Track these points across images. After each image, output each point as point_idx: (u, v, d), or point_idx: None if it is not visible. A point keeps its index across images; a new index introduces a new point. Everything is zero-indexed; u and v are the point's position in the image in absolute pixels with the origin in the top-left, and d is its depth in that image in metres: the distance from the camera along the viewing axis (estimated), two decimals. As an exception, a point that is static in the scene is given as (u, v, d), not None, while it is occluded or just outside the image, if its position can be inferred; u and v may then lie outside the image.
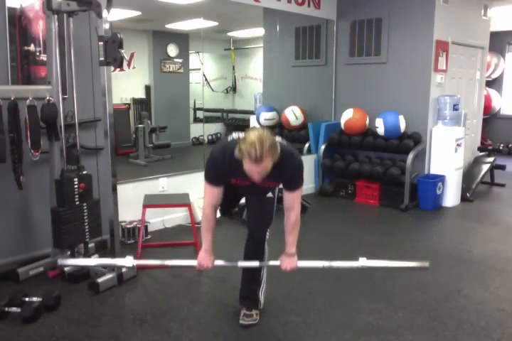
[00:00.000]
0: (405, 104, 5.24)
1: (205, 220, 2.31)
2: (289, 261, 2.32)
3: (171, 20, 6.39)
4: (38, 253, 3.23)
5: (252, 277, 2.55)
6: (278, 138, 2.17)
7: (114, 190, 3.01)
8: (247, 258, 2.55)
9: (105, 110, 2.88)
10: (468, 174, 5.69)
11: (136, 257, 3.34)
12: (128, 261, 2.42)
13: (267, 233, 2.54)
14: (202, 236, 2.35)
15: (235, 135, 2.21)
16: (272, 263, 2.38)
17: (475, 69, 6.12)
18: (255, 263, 2.39)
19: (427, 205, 4.93)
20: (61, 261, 2.56)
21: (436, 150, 5.13)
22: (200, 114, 7.51)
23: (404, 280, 3.15)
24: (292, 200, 2.25)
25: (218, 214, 2.44)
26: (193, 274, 3.24)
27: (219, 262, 2.35)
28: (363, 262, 2.33)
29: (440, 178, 4.98)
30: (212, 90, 7.77)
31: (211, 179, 2.24)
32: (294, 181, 2.23)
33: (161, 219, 4.18)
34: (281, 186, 2.30)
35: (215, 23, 6.07)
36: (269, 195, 2.47)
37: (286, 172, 2.15)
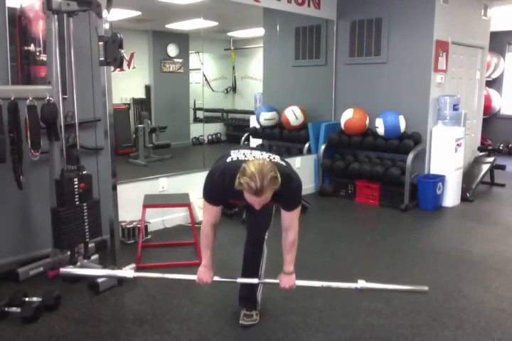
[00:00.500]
0: (405, 104, 5.24)
1: (204, 237, 2.31)
2: (288, 280, 2.33)
3: (171, 20, 6.39)
4: (38, 253, 3.23)
5: (250, 277, 2.54)
6: (276, 159, 2.18)
7: (114, 190, 3.01)
8: (246, 258, 2.56)
9: (105, 110, 2.88)
10: (468, 174, 5.69)
11: (136, 258, 3.34)
12: (128, 273, 2.44)
13: (266, 234, 2.55)
14: (201, 252, 2.36)
15: (233, 155, 2.19)
16: (271, 281, 2.40)
17: (475, 69, 6.12)
18: (254, 280, 2.41)
19: (427, 205, 4.93)
20: (63, 271, 2.55)
21: (436, 150, 5.13)
22: (200, 114, 7.51)
23: (404, 280, 3.15)
24: (291, 220, 2.24)
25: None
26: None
27: (218, 278, 2.37)
28: (361, 284, 2.35)
29: (440, 178, 4.98)
30: (212, 90, 7.77)
31: (210, 199, 2.23)
32: (293, 202, 2.22)
33: (161, 219, 4.18)
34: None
35: (215, 23, 6.07)
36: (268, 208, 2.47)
37: (285, 195, 2.14)
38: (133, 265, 3.13)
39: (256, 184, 1.90)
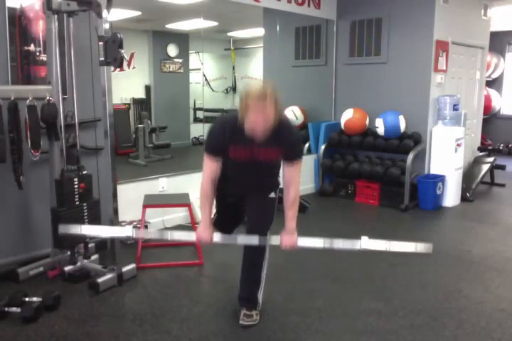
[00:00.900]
0: (405, 104, 5.24)
1: (203, 194, 2.32)
2: (289, 238, 2.29)
3: (171, 20, 6.39)
4: (38, 253, 3.23)
5: (251, 278, 2.53)
6: None
7: (114, 189, 3.01)
8: (246, 261, 2.54)
9: (105, 110, 2.88)
10: (468, 174, 5.69)
11: (136, 258, 3.35)
12: (128, 231, 2.37)
13: (268, 234, 2.53)
14: (201, 211, 2.35)
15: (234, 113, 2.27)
16: (272, 241, 2.34)
17: (475, 69, 6.12)
18: (255, 241, 2.31)
19: (427, 205, 4.93)
20: (62, 228, 2.52)
21: (436, 150, 5.13)
22: (200, 114, 7.51)
23: (404, 280, 3.15)
24: (292, 174, 2.29)
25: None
26: (193, 274, 3.24)
27: (218, 237, 2.32)
28: (364, 242, 2.27)
29: (440, 178, 4.98)
30: (212, 90, 7.77)
31: (211, 148, 2.28)
32: (294, 152, 2.29)
33: (161, 219, 4.18)
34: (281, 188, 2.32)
35: (215, 23, 6.07)
36: (272, 194, 2.47)
37: (287, 139, 2.22)
38: (133, 265, 3.13)
39: (259, 88, 2.08)
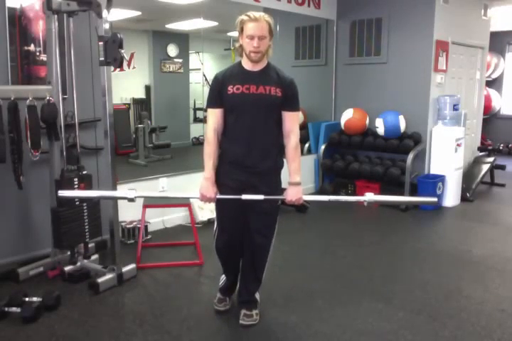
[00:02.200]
0: (405, 104, 5.24)
1: (206, 144, 2.32)
2: (295, 192, 2.28)
3: (171, 20, 6.38)
4: (38, 253, 3.23)
5: (253, 278, 2.53)
6: None
7: (114, 190, 3.01)
8: (246, 264, 2.54)
9: (105, 110, 2.88)
10: (468, 174, 5.69)
11: (136, 258, 3.35)
12: (129, 193, 2.29)
13: (273, 239, 2.49)
14: (204, 163, 2.32)
15: None
16: (277, 197, 2.35)
17: (475, 69, 6.12)
18: (260, 197, 2.24)
19: (427, 205, 4.93)
20: (61, 193, 2.49)
21: (436, 150, 5.13)
22: (200, 114, 7.50)
23: (404, 280, 3.15)
24: (291, 121, 2.33)
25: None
26: (193, 274, 3.24)
27: (221, 195, 2.29)
28: (369, 197, 2.24)
29: (440, 178, 4.98)
30: (212, 90, 7.76)
31: (211, 99, 2.32)
32: (295, 101, 2.36)
33: (161, 219, 4.18)
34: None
35: (215, 23, 6.06)
36: (272, 207, 2.40)
37: (288, 91, 2.31)
38: (133, 265, 3.13)
39: (252, 13, 2.24)
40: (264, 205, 2.34)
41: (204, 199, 2.30)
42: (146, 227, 3.90)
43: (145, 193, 2.51)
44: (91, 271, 3.08)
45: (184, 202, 3.58)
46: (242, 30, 2.25)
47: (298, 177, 2.29)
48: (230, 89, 2.27)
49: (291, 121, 2.33)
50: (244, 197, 2.24)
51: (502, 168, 6.18)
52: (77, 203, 3.00)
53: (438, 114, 5.18)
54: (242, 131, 2.31)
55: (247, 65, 2.32)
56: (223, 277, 2.65)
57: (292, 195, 2.28)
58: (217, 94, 2.30)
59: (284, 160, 2.40)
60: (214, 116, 2.31)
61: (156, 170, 5.30)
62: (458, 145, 5.06)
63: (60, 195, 2.48)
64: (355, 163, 5.40)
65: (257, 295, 2.59)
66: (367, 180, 5.23)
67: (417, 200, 2.48)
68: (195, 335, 2.42)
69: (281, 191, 2.41)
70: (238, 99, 2.26)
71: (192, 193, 2.35)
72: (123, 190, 2.37)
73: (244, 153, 2.31)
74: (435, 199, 2.36)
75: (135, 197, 2.29)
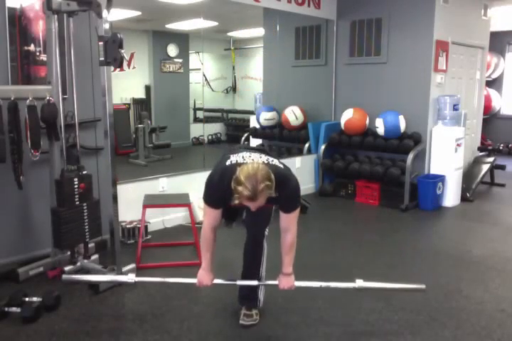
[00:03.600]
0: (405, 104, 5.24)
1: (204, 241, 2.33)
2: (287, 281, 2.36)
3: (171, 20, 6.39)
4: (38, 253, 3.23)
5: (251, 276, 2.54)
6: (274, 161, 2.19)
7: (114, 189, 3.01)
8: (246, 258, 2.56)
9: (105, 110, 2.88)
10: (468, 174, 5.69)
11: (136, 258, 3.34)
12: (130, 278, 2.46)
13: (266, 230, 2.55)
14: (201, 255, 2.39)
15: (232, 158, 2.19)
16: (270, 282, 2.44)
17: (475, 69, 6.12)
18: (254, 282, 2.44)
19: (427, 205, 4.92)
20: (66, 278, 2.60)
21: (436, 150, 5.13)
22: (200, 114, 7.51)
23: (404, 280, 3.14)
24: (289, 222, 2.25)
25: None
26: (193, 274, 3.23)
27: (218, 281, 2.40)
28: (359, 283, 2.42)
29: (440, 178, 4.98)
30: (212, 90, 7.77)
31: (210, 202, 2.24)
32: (291, 204, 2.23)
33: (161, 219, 4.18)
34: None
35: (215, 23, 6.07)
36: (267, 210, 2.46)
37: (283, 197, 2.16)
38: (133, 265, 3.13)
39: (249, 191, 1.94)
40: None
41: (201, 285, 2.39)
42: (146, 227, 3.90)
43: (146, 279, 2.71)
44: (91, 271, 3.08)
45: (184, 202, 3.58)
46: (236, 191, 2.00)
47: (290, 268, 2.35)
48: (232, 205, 2.20)
49: (288, 221, 2.26)
50: (239, 282, 2.46)
51: (502, 168, 6.18)
52: (77, 203, 3.00)
53: (438, 114, 5.18)
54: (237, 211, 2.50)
55: None
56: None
57: (285, 283, 2.35)
58: (220, 200, 2.22)
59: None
60: (213, 216, 2.26)
61: (156, 170, 5.31)
62: (458, 145, 5.06)
63: (64, 278, 2.58)
64: (355, 163, 5.40)
65: (261, 296, 2.58)
66: (367, 180, 5.23)
67: (406, 288, 2.59)
68: (195, 335, 2.42)
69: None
70: (237, 210, 2.42)
71: (191, 280, 2.45)
72: (125, 276, 2.56)
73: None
74: (423, 286, 2.49)
75: (135, 282, 2.47)
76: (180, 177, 4.38)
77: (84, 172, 3.07)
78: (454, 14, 5.26)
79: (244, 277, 2.59)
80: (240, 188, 1.96)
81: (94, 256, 3.27)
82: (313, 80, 6.01)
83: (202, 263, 2.38)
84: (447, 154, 5.05)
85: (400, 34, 5.22)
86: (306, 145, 5.75)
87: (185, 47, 7.16)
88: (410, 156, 4.93)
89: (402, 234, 4.22)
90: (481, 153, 6.39)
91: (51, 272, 3.08)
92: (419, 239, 4.07)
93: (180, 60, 7.19)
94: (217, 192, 2.18)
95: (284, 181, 2.13)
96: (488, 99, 7.86)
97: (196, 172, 4.38)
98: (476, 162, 6.03)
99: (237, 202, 2.05)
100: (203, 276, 2.36)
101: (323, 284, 2.43)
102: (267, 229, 2.56)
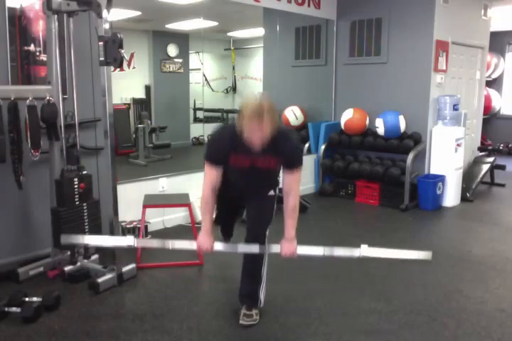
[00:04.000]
0: (405, 104, 5.24)
1: (204, 202, 2.35)
2: (289, 246, 2.32)
3: (171, 20, 6.39)
4: (38, 253, 3.23)
5: (252, 275, 2.54)
6: None
7: (114, 190, 3.01)
8: (247, 258, 2.55)
9: (105, 110, 2.88)
10: (468, 174, 5.69)
11: (136, 258, 3.34)
12: (129, 240, 2.40)
13: (268, 230, 2.53)
14: (201, 218, 2.39)
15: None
16: (273, 249, 2.38)
17: (475, 69, 6.11)
18: (255, 248, 2.35)
19: (427, 205, 4.93)
20: (64, 239, 2.57)
21: (436, 150, 5.13)
22: (200, 114, 7.50)
23: (404, 280, 3.15)
24: (291, 183, 2.30)
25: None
26: (193, 274, 3.24)
27: (219, 246, 2.36)
28: (364, 250, 2.30)
29: (440, 178, 4.98)
30: (212, 90, 7.77)
31: (211, 157, 2.29)
32: (294, 159, 2.29)
33: (161, 219, 4.18)
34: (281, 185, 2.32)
35: (215, 23, 6.07)
36: (271, 192, 2.48)
37: (286, 147, 2.24)
38: (133, 265, 3.13)
39: (254, 107, 2.07)
40: (261, 201, 2.45)
41: (202, 250, 2.37)
42: (146, 227, 3.90)
43: (145, 241, 2.70)
44: (91, 271, 3.08)
45: (184, 202, 3.58)
46: (242, 117, 2.11)
47: (293, 232, 2.33)
48: (233, 157, 2.27)
49: (292, 180, 2.30)
50: (240, 249, 2.38)
51: (502, 168, 6.18)
52: (77, 203, 3.00)
53: (438, 114, 5.18)
54: (238, 183, 2.44)
55: (246, 141, 2.21)
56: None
57: (286, 249, 2.33)
58: (220, 155, 2.27)
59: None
60: (213, 174, 2.30)
61: (156, 170, 5.30)
62: (458, 145, 5.06)
63: (62, 241, 2.58)
64: (355, 163, 5.40)
65: (262, 296, 2.58)
66: (367, 180, 5.23)
67: (412, 256, 2.52)
68: (195, 335, 2.42)
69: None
70: (239, 167, 2.32)
71: (192, 244, 2.43)
72: (126, 238, 2.47)
73: (239, 193, 2.52)
74: (430, 253, 2.44)
75: (135, 246, 2.42)
76: (180, 177, 4.38)
77: (84, 172, 3.06)
78: (454, 14, 5.26)
79: (244, 278, 2.59)
80: (246, 104, 2.09)
81: (94, 256, 3.27)
82: (313, 80, 6.01)
83: (202, 226, 2.35)
84: (447, 154, 5.04)
85: (400, 34, 5.22)
86: (306, 145, 5.75)
87: (185, 47, 7.16)
88: (410, 156, 4.93)
89: (402, 234, 4.22)
90: (481, 153, 6.39)
91: (51, 272, 3.08)
92: (419, 239, 4.07)
93: (180, 60, 7.18)
94: (219, 143, 2.27)
95: (287, 133, 2.28)
96: (488, 99, 7.85)
97: (196, 172, 4.38)
98: (476, 162, 6.03)
99: (243, 139, 2.12)
100: (204, 240, 2.34)
101: (326, 251, 2.35)
102: (268, 230, 2.54)
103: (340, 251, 2.38)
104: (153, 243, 2.66)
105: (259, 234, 2.52)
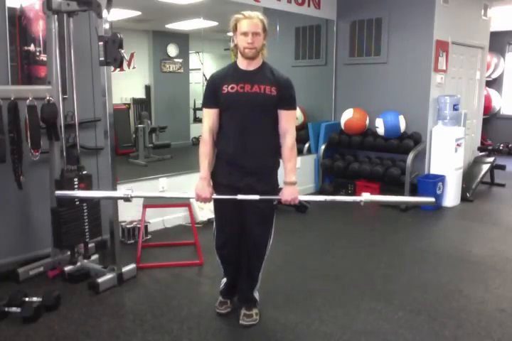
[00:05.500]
0: (405, 104, 5.24)
1: (202, 144, 2.35)
2: (290, 191, 2.28)
3: (171, 20, 6.39)
4: (38, 253, 3.23)
5: (252, 275, 2.54)
6: None
7: (114, 190, 3.01)
8: (247, 258, 2.53)
9: (105, 110, 2.88)
10: (468, 174, 5.69)
11: (136, 258, 3.35)
12: (125, 193, 2.29)
13: (270, 241, 2.48)
14: (200, 163, 2.37)
15: None
16: (273, 197, 2.33)
17: (475, 69, 6.12)
18: (255, 197, 2.24)
19: (427, 205, 4.92)
20: (59, 193, 2.54)
21: (436, 150, 5.13)
22: (200, 114, 7.49)
23: (404, 280, 3.15)
24: (288, 121, 2.34)
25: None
26: (193, 274, 3.24)
27: (216, 195, 2.31)
28: (366, 197, 2.22)
29: (440, 178, 4.98)
30: (212, 90, 7.76)
31: (205, 99, 2.35)
32: (288, 97, 2.35)
33: (161, 219, 4.18)
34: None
35: (215, 23, 6.06)
36: (268, 207, 2.39)
37: (281, 79, 2.34)
38: (133, 265, 3.13)
39: (249, 13, 2.27)
40: (261, 205, 2.34)
41: (199, 199, 2.32)
42: (146, 227, 3.90)
43: (141, 193, 2.52)
44: (91, 271, 3.08)
45: (184, 202, 3.58)
46: (236, 28, 2.28)
47: (293, 176, 2.28)
48: (225, 88, 2.28)
49: (287, 120, 2.33)
50: (240, 197, 2.25)
51: (502, 168, 6.18)
52: (77, 203, 3.00)
53: (438, 114, 5.18)
54: (235, 131, 2.31)
55: (242, 64, 2.34)
56: (224, 280, 2.65)
57: (288, 194, 2.27)
58: (213, 94, 2.32)
59: (281, 160, 2.39)
60: (209, 116, 2.33)
61: (156, 170, 5.30)
62: (458, 145, 5.06)
63: (57, 194, 2.50)
64: (355, 163, 5.40)
65: (257, 295, 2.58)
66: (367, 180, 5.23)
67: (415, 200, 2.46)
68: (195, 335, 2.42)
69: (278, 191, 2.40)
70: (233, 98, 2.28)
71: (188, 193, 2.36)
72: (120, 191, 2.36)
73: (238, 152, 2.32)
74: (433, 199, 2.35)
75: (131, 197, 2.29)
76: (180, 177, 4.38)
77: (84, 172, 3.06)
78: (454, 14, 5.26)
79: (242, 279, 2.57)
80: (239, 16, 2.26)
81: (94, 256, 3.27)
82: (313, 80, 6.00)
83: (201, 172, 2.34)
84: (447, 154, 5.05)
85: (400, 34, 5.23)
86: (306, 145, 5.75)
87: (185, 47, 7.15)
88: (410, 156, 4.93)
89: (402, 234, 4.22)
90: (481, 153, 6.39)
91: (51, 272, 3.08)
92: (419, 239, 4.07)
93: (180, 60, 7.18)
94: (209, 87, 2.35)
95: (281, 74, 2.39)
96: (488, 99, 7.86)
97: (196, 172, 4.33)
98: (476, 162, 6.03)
99: (234, 42, 2.29)
100: (202, 188, 2.31)
101: (328, 198, 2.32)
102: (270, 241, 2.47)
103: (342, 198, 2.31)
104: (150, 194, 2.61)
105: (260, 254, 2.48)
